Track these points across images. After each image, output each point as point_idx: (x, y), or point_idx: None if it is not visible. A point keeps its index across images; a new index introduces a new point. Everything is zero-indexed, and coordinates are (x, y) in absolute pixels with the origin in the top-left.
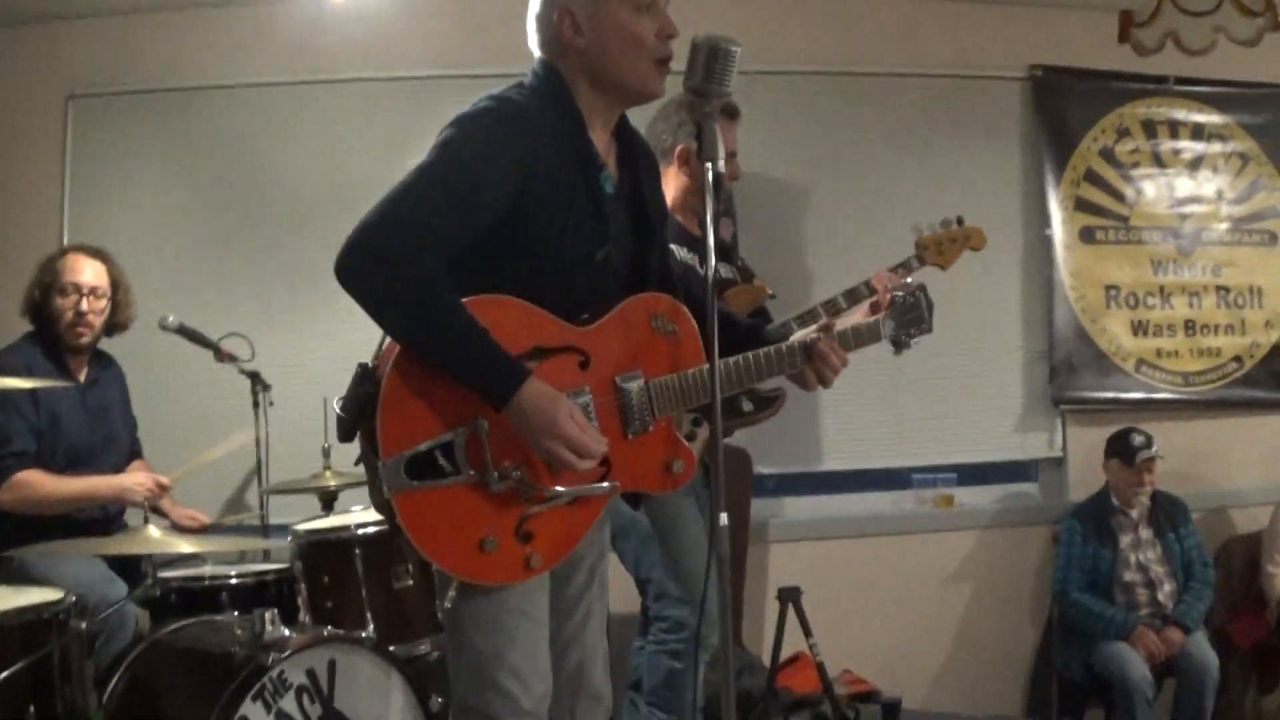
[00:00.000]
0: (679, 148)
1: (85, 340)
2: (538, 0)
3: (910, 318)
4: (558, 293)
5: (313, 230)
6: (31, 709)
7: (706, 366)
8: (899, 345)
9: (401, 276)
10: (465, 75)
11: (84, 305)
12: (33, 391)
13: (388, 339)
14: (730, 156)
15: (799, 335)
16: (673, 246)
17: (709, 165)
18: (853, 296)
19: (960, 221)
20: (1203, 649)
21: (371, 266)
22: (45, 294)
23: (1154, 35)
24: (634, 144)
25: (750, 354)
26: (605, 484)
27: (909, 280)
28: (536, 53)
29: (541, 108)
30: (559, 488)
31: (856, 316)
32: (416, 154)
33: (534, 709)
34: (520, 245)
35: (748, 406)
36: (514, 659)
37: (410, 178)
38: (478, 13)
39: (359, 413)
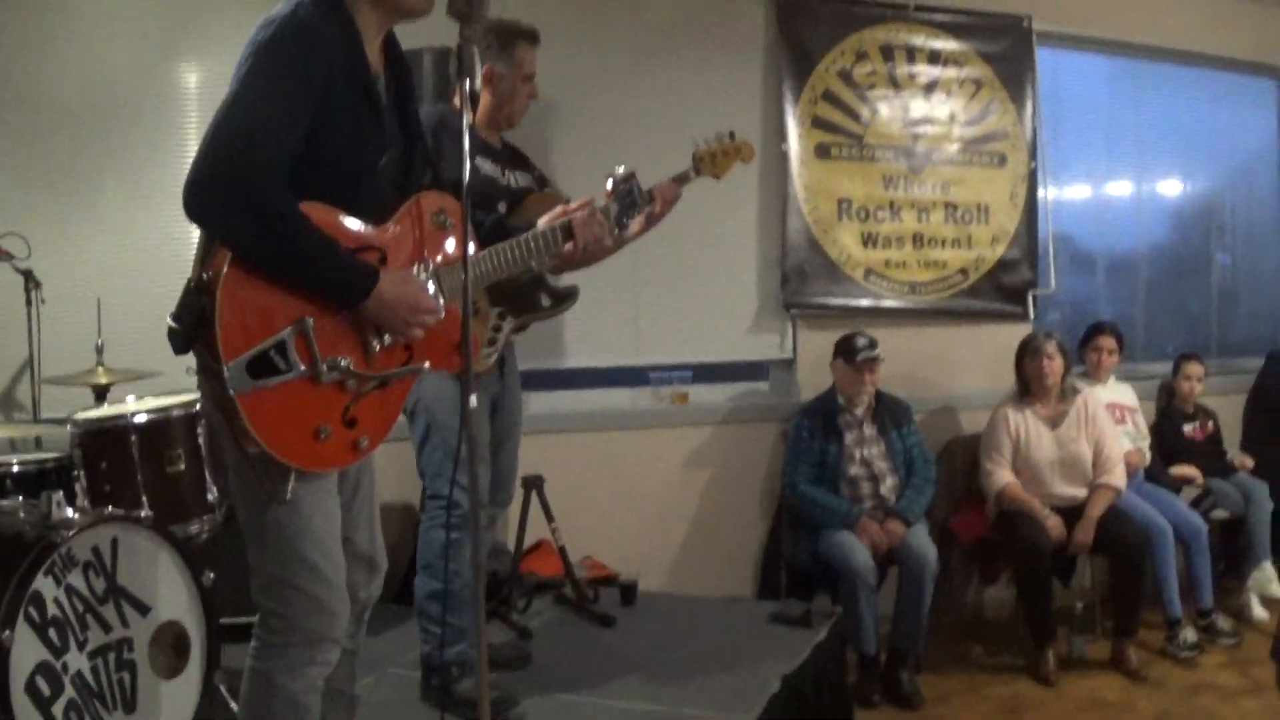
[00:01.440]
0: (483, 69)
1: None
2: None
3: (627, 201)
4: (350, 197)
5: (83, 132)
6: None
7: (484, 252)
8: (621, 226)
9: (251, 204)
10: None
11: None
12: None
13: (208, 251)
14: (530, 78)
15: (544, 222)
16: (477, 159)
17: (466, 81)
18: (647, 198)
19: (733, 135)
20: (922, 540)
21: (221, 199)
22: None
23: None
24: (399, 57)
25: (518, 238)
26: (417, 365)
27: (620, 170)
28: None
29: (324, 24)
30: (380, 371)
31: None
32: (182, 57)
33: (335, 579)
34: (317, 154)
35: (546, 302)
36: (318, 532)
37: (228, 103)
38: None
39: (196, 323)
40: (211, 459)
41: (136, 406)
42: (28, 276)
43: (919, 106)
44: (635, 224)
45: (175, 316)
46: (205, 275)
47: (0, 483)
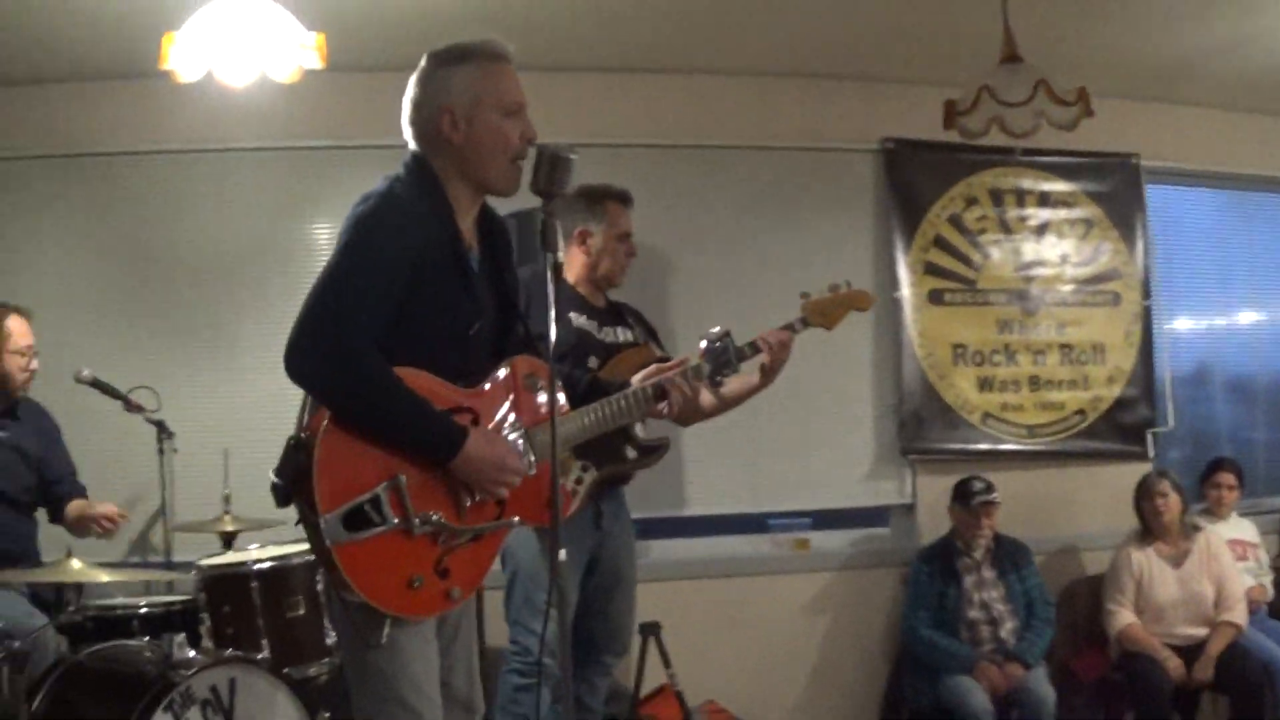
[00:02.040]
0: (577, 229)
1: (24, 392)
2: (416, 95)
3: (721, 360)
4: (443, 361)
5: (214, 288)
6: None
7: (576, 411)
8: (715, 384)
9: (348, 366)
10: (354, 146)
11: (34, 364)
12: None
13: (309, 411)
14: (626, 237)
15: (638, 379)
16: (570, 314)
17: (549, 255)
18: (754, 348)
19: (849, 284)
20: (1040, 683)
21: (320, 362)
22: None
23: (978, 121)
24: (493, 225)
25: (611, 398)
26: (507, 520)
27: (715, 329)
28: (411, 145)
29: (419, 199)
30: (471, 525)
31: (741, 380)
32: (307, 218)
33: (431, 718)
34: (410, 321)
35: (631, 454)
36: (415, 675)
37: (327, 273)
38: (365, 89)
39: (294, 479)
40: (329, 605)
41: (258, 554)
42: (160, 427)
43: (1030, 249)
44: (749, 378)
45: (277, 472)
46: (304, 433)
47: (128, 624)
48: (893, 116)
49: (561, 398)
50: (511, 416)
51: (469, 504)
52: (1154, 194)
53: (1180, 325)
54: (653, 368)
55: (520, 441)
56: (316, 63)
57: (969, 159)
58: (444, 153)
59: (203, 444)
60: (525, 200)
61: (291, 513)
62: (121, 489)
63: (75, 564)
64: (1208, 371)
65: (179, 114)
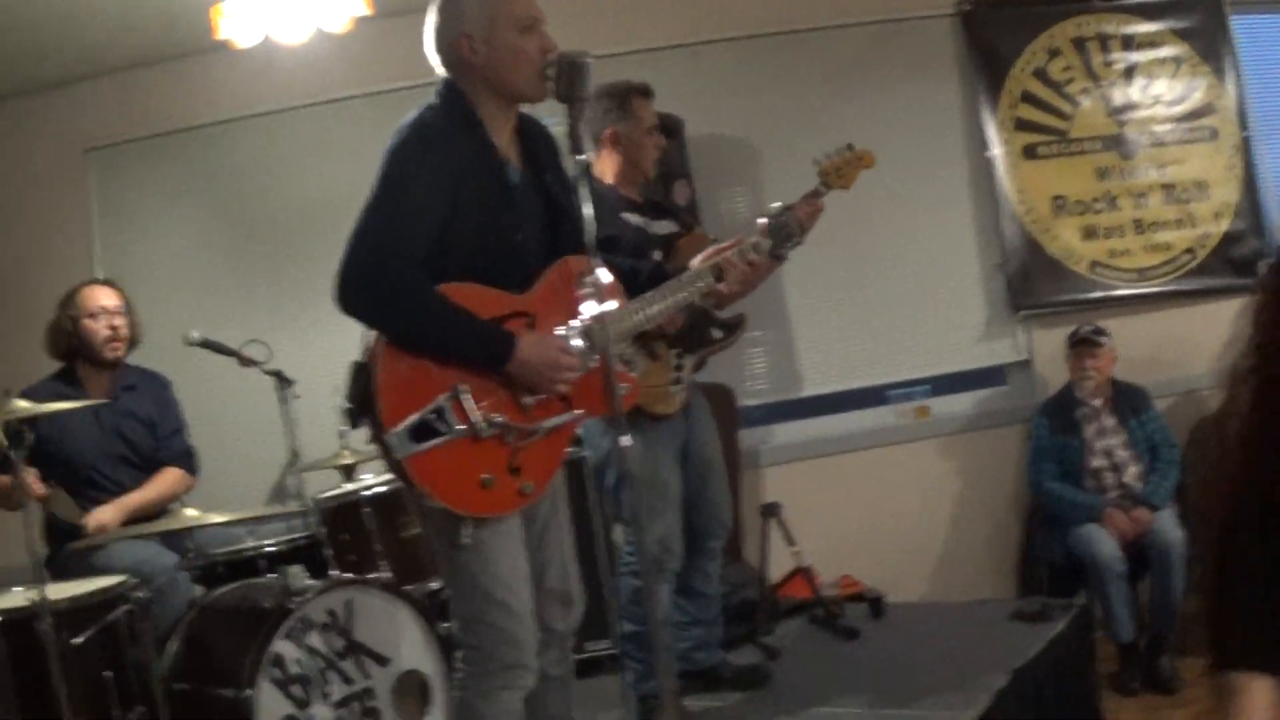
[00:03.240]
0: (606, 131)
1: (119, 354)
2: (436, 23)
3: (784, 234)
4: (492, 272)
5: (310, 238)
6: (108, 673)
7: (636, 301)
8: (779, 258)
9: (392, 293)
10: (421, 85)
11: (115, 322)
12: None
13: (369, 337)
14: (653, 129)
15: (697, 263)
16: (623, 214)
17: (579, 157)
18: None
19: (851, 147)
20: (1169, 525)
21: (365, 294)
22: (74, 324)
23: None
24: (532, 134)
25: (670, 282)
26: (573, 413)
27: (775, 205)
28: (439, 71)
29: (450, 122)
30: (535, 424)
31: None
32: None
33: (521, 612)
34: (455, 238)
35: (717, 334)
36: (501, 571)
37: (366, 208)
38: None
39: (361, 401)
40: (421, 517)
41: (368, 482)
42: (278, 376)
43: (1120, 93)
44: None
45: (346, 396)
46: (365, 359)
47: (255, 563)
48: None
49: (616, 299)
50: (568, 314)
51: (531, 403)
52: (1240, 25)
53: None
54: (710, 250)
55: (577, 337)
56: (364, 9)
57: (1048, 11)
58: (469, 75)
59: (316, 387)
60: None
61: None
62: (247, 441)
63: (190, 511)
64: None
65: (246, 79)
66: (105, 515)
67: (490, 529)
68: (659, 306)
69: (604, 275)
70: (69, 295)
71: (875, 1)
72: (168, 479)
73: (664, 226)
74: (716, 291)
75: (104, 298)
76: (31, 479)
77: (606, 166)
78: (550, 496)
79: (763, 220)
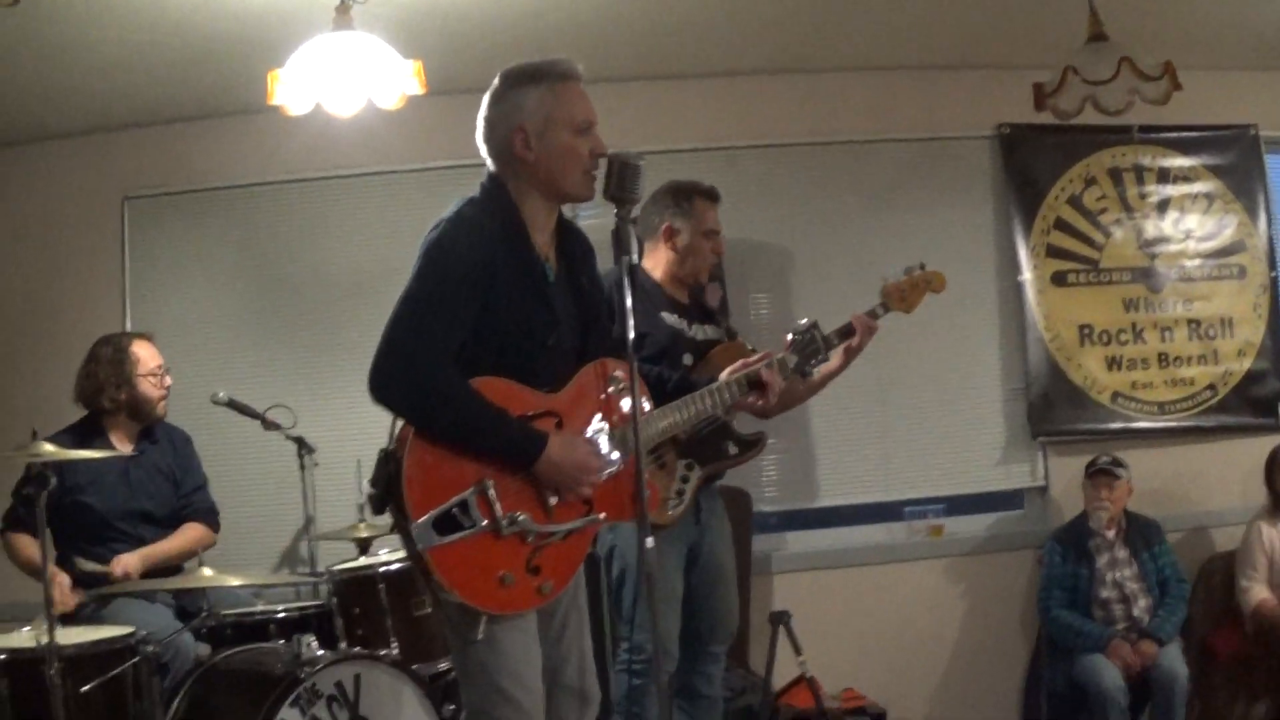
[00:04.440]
0: (664, 226)
1: (164, 413)
2: (489, 114)
3: (809, 351)
4: (524, 369)
5: (343, 308)
6: None
7: (665, 406)
8: (804, 374)
9: (425, 387)
10: (465, 164)
11: (167, 381)
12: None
13: (398, 424)
14: (713, 234)
15: (727, 373)
16: (662, 314)
17: (625, 259)
18: (844, 334)
19: (923, 267)
20: (1173, 660)
21: (398, 386)
22: (129, 380)
23: (1070, 101)
24: (570, 236)
25: (700, 391)
26: (593, 517)
27: (803, 321)
28: (488, 163)
29: (491, 219)
30: (556, 526)
31: (833, 360)
32: (424, 236)
33: (532, 709)
34: (489, 334)
35: (733, 450)
36: (514, 667)
37: (401, 302)
38: (474, 109)
39: (387, 488)
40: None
41: (386, 558)
42: (300, 443)
43: (1152, 226)
44: (835, 359)
45: (372, 482)
46: (393, 446)
47: (265, 628)
48: (1007, 102)
49: (646, 402)
50: (597, 417)
51: (555, 503)
52: (1275, 164)
53: None
54: (739, 363)
55: (605, 441)
56: (417, 88)
57: (1086, 140)
58: (518, 170)
59: (337, 456)
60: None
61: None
62: (263, 504)
63: (206, 571)
64: None
65: (294, 145)
66: (130, 562)
67: (506, 625)
68: (683, 416)
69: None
70: (118, 350)
71: (916, 119)
72: (191, 534)
73: (705, 332)
74: (747, 405)
75: (156, 356)
76: (61, 591)
77: (656, 262)
78: (570, 592)
79: (789, 335)
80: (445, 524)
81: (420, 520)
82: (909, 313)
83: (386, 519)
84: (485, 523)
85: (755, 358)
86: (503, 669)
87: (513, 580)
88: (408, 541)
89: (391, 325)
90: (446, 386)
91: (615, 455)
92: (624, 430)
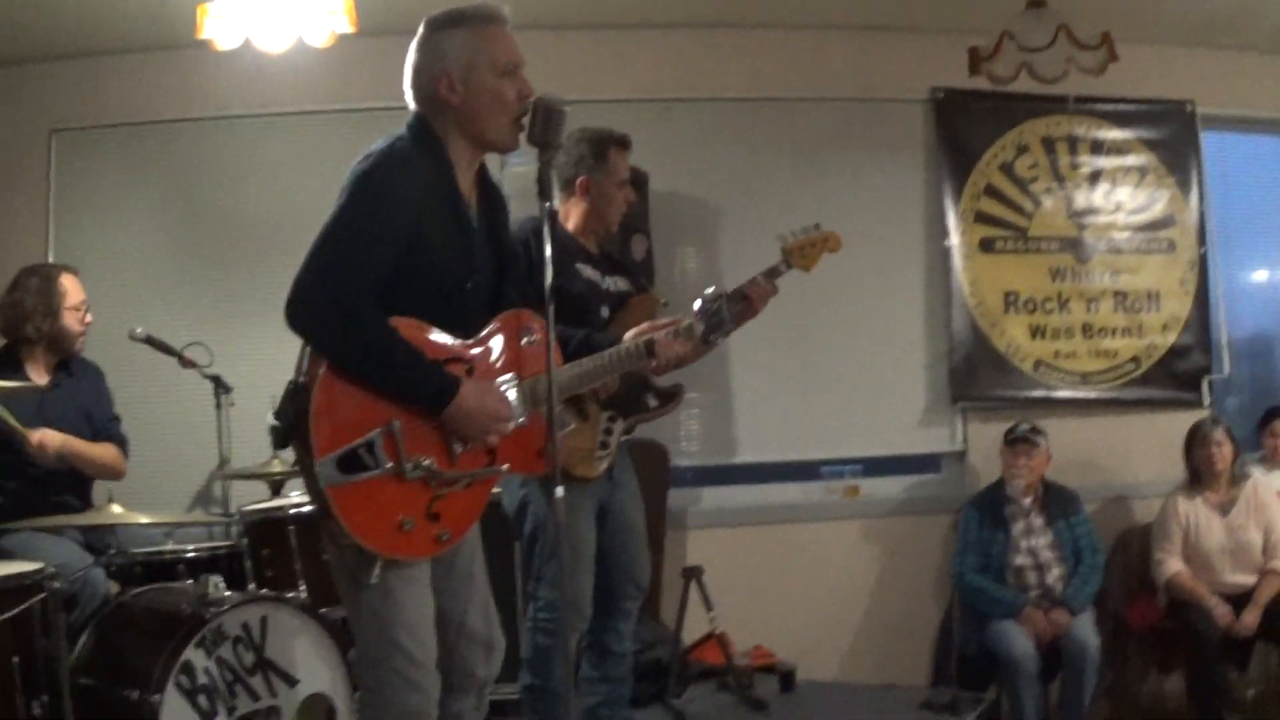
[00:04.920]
0: (579, 179)
1: (82, 346)
2: (415, 61)
3: (715, 321)
4: (441, 313)
5: (267, 250)
6: (15, 659)
7: (568, 365)
8: (709, 343)
9: (342, 317)
10: (392, 108)
11: (88, 318)
12: None
13: (308, 356)
14: (624, 184)
15: (630, 336)
16: (578, 265)
17: (545, 205)
18: (738, 295)
19: (818, 226)
20: (1085, 630)
21: (315, 313)
22: (54, 313)
23: (1005, 67)
24: (489, 186)
25: (602, 353)
26: (497, 467)
27: (710, 290)
28: (412, 106)
29: (419, 156)
30: (460, 473)
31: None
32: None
33: (424, 660)
34: (410, 273)
35: (653, 402)
36: (408, 618)
37: (327, 229)
38: (399, 52)
39: (292, 422)
40: (328, 547)
41: (296, 500)
42: (217, 381)
43: (1083, 197)
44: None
45: (276, 414)
46: (303, 379)
47: (174, 568)
48: (942, 66)
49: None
50: (506, 368)
51: (460, 451)
52: (1211, 141)
53: (1239, 271)
54: (646, 325)
55: (513, 393)
56: (347, 26)
57: (1020, 108)
58: (443, 113)
59: (253, 397)
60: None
61: None
62: (178, 442)
63: (116, 508)
64: (1267, 320)
65: (221, 81)
66: (52, 438)
67: (399, 573)
68: (589, 371)
69: (546, 333)
70: (46, 280)
71: (851, 80)
72: (108, 449)
73: (617, 283)
74: (643, 368)
75: (80, 291)
76: None
77: (570, 213)
78: (471, 543)
79: (697, 303)
80: (349, 463)
81: (325, 458)
82: (808, 270)
83: (293, 465)
84: (390, 465)
85: (664, 321)
86: (397, 620)
87: (412, 525)
88: (309, 478)
89: (315, 251)
90: (366, 317)
91: (521, 407)
92: (532, 383)
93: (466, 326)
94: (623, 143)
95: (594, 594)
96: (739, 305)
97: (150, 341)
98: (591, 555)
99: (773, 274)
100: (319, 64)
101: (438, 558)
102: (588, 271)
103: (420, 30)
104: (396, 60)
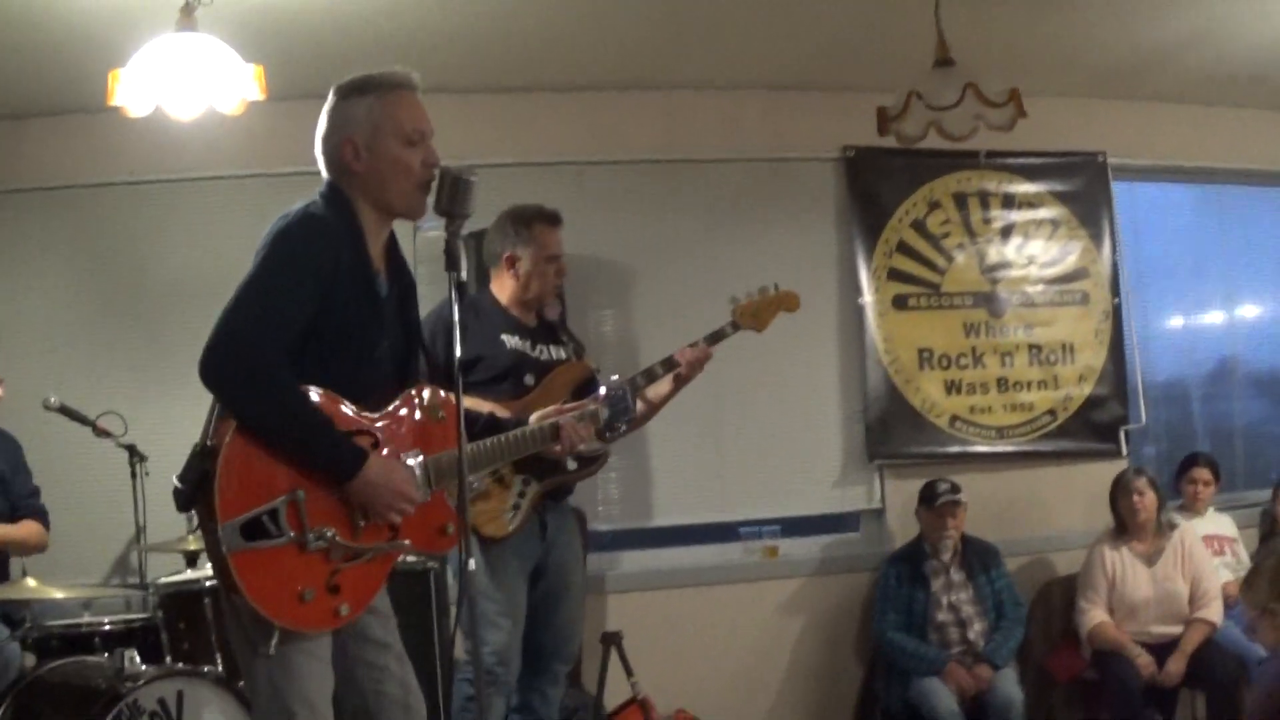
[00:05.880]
0: (505, 254)
1: None
2: (323, 127)
3: (619, 409)
4: (349, 378)
5: (182, 315)
6: None
7: (473, 444)
8: (612, 431)
9: (254, 374)
10: (308, 172)
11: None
12: None
13: (216, 417)
14: (555, 258)
15: (536, 419)
16: (502, 335)
17: (452, 274)
18: (668, 365)
19: (776, 287)
20: (1009, 684)
21: (228, 369)
22: None
23: (914, 126)
24: (397, 255)
25: (508, 434)
26: (400, 542)
27: (615, 378)
28: (324, 173)
29: (333, 220)
30: (363, 545)
31: (664, 385)
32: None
33: None
34: (320, 336)
35: (572, 465)
36: (304, 690)
37: (243, 287)
38: (315, 117)
39: (197, 485)
40: (228, 614)
41: (210, 572)
42: (131, 451)
43: (996, 251)
44: (666, 385)
45: (180, 477)
46: (210, 441)
47: (90, 640)
48: (853, 124)
49: None
50: (413, 443)
51: (363, 524)
52: (1123, 191)
53: (1153, 319)
54: (553, 408)
55: (418, 470)
56: (258, 93)
57: (931, 164)
58: (350, 180)
59: (168, 465)
60: (482, 221)
61: None
62: (94, 512)
63: (30, 582)
64: (1182, 367)
65: (134, 146)
66: None
67: (297, 645)
68: (496, 452)
69: (452, 408)
70: None
71: (763, 139)
72: (31, 527)
73: (551, 352)
74: (549, 450)
75: None
76: None
77: (501, 287)
78: (382, 612)
79: (602, 389)
80: (252, 529)
81: (228, 523)
82: (760, 331)
83: (193, 529)
84: (293, 534)
85: (570, 405)
86: (293, 691)
87: (312, 596)
88: (211, 541)
89: (231, 309)
90: (277, 375)
91: (424, 485)
92: (436, 460)
93: (373, 396)
94: (550, 219)
95: (524, 653)
96: (663, 370)
97: (64, 411)
98: (522, 612)
99: (716, 337)
100: (230, 129)
101: (343, 629)
102: (513, 341)
103: (330, 96)
104: (307, 125)
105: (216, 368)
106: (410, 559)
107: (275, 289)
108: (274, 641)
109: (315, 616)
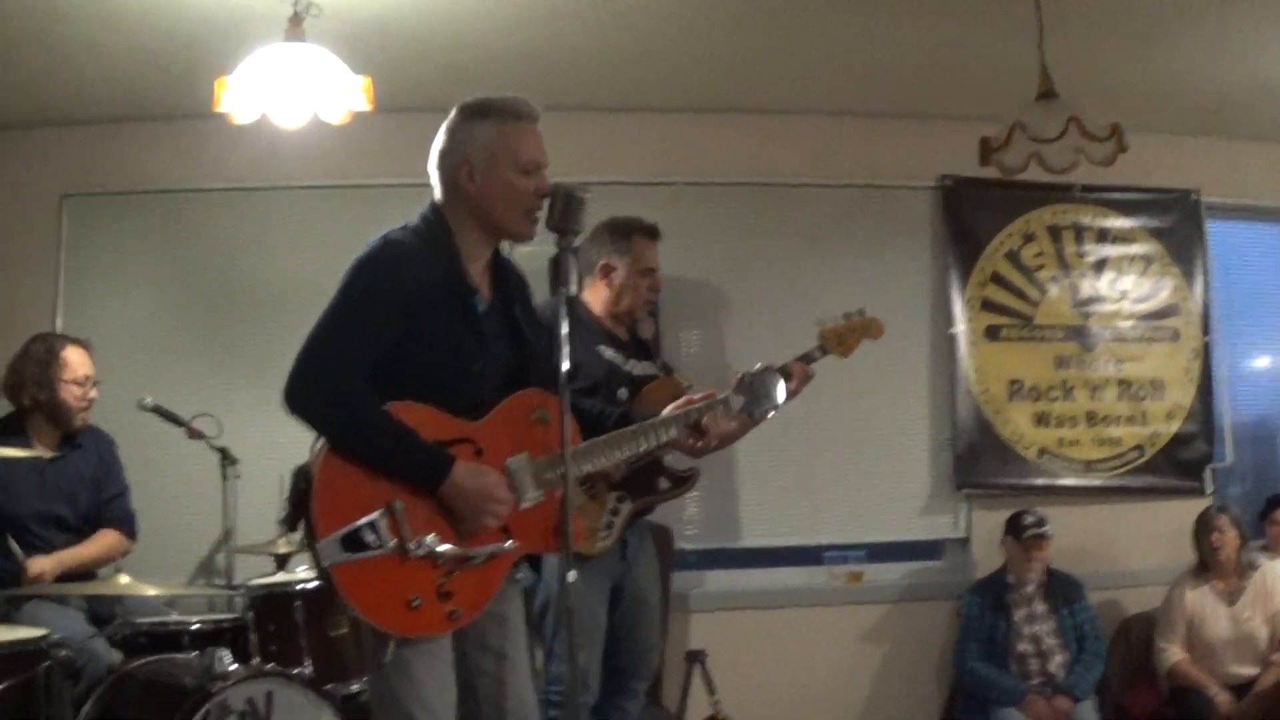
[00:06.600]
0: (602, 262)
1: (86, 421)
2: (442, 143)
3: (759, 394)
4: (448, 396)
5: (277, 321)
6: None
7: (598, 439)
8: (753, 418)
9: (334, 400)
10: (403, 184)
11: (92, 394)
12: None
13: (317, 442)
14: (650, 272)
15: (669, 410)
16: (599, 346)
17: (562, 290)
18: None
19: (862, 312)
20: (1087, 717)
21: (311, 397)
22: (51, 384)
23: (1015, 157)
24: (505, 270)
25: (638, 425)
26: (507, 544)
27: (757, 365)
28: (434, 187)
29: (423, 245)
30: (465, 551)
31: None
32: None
33: None
34: (411, 358)
35: (664, 485)
36: (424, 694)
37: (323, 318)
38: (412, 129)
39: (298, 504)
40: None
41: (303, 575)
42: (223, 454)
43: (1089, 285)
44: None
45: (287, 499)
46: (308, 462)
47: (179, 639)
48: (950, 153)
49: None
50: (516, 447)
51: (467, 529)
52: (1215, 230)
53: (1243, 360)
54: (683, 400)
55: (527, 472)
56: (364, 105)
57: (1027, 196)
58: (460, 200)
59: (259, 470)
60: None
61: None
62: (183, 513)
63: (123, 578)
64: (1270, 407)
65: (237, 153)
66: (45, 565)
67: (415, 649)
68: (619, 451)
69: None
70: (49, 351)
71: (858, 165)
72: (106, 540)
73: (643, 368)
74: (684, 444)
75: (86, 365)
76: None
77: (595, 297)
78: (498, 619)
79: (737, 376)
80: (354, 543)
81: (327, 538)
82: (845, 357)
83: (300, 546)
84: (393, 543)
85: (699, 396)
86: (413, 696)
87: (421, 603)
88: (315, 558)
89: (310, 339)
90: (355, 402)
91: (533, 487)
92: (548, 461)
93: (478, 408)
94: (649, 232)
95: (603, 672)
96: (784, 380)
97: (158, 411)
98: (601, 632)
99: (807, 359)
100: (333, 139)
101: (466, 633)
102: (609, 353)
103: (452, 113)
104: (410, 137)
105: (298, 397)
106: None
107: (352, 319)
108: (390, 649)
109: (426, 622)
